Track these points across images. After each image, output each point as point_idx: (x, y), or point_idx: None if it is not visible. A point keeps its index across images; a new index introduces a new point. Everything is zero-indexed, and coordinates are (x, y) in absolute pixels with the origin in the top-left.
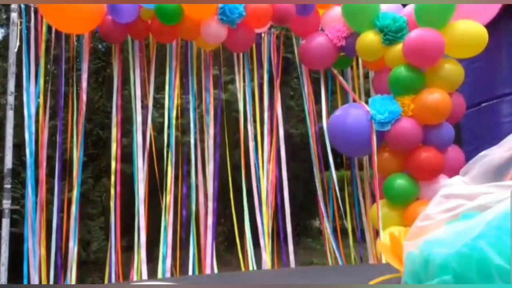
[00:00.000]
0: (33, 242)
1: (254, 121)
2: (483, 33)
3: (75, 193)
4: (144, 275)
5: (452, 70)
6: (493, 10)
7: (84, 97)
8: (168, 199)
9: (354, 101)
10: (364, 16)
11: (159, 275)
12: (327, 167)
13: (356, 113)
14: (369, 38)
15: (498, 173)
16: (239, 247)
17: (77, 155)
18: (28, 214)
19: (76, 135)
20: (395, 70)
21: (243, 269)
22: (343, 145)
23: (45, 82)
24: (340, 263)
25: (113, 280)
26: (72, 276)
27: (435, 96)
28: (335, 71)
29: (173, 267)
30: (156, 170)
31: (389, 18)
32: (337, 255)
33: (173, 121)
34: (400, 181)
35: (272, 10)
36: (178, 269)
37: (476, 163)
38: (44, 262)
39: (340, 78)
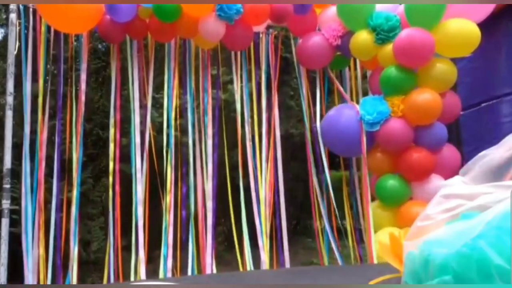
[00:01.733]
0: (32, 242)
1: (252, 121)
2: (476, 31)
3: (74, 193)
4: (143, 276)
5: (445, 69)
6: (487, 9)
7: (83, 97)
8: (168, 199)
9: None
10: (358, 15)
11: (161, 275)
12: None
13: (348, 113)
14: (362, 37)
15: (498, 173)
16: (237, 247)
17: (76, 156)
18: (28, 214)
19: (76, 135)
20: (386, 70)
21: (241, 269)
22: (336, 145)
23: (45, 82)
24: (340, 262)
25: (113, 280)
26: (73, 276)
27: (425, 96)
28: (332, 75)
29: (174, 267)
30: (157, 170)
31: (382, 17)
32: (337, 255)
33: (172, 122)
34: (392, 182)
35: (270, 7)
36: (179, 270)
37: (476, 163)
38: (43, 262)
39: (336, 80)
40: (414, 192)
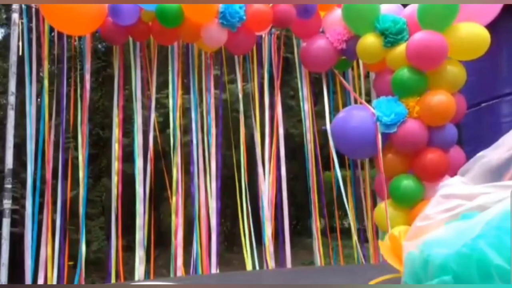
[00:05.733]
0: (34, 242)
1: (255, 121)
2: (486, 36)
3: (81, 192)
4: (142, 274)
5: (454, 71)
6: (495, 10)
7: (87, 97)
8: (174, 200)
9: (356, 102)
10: (364, 19)
11: (171, 275)
12: (326, 167)
13: (359, 115)
14: (370, 40)
15: (497, 173)
16: (246, 247)
17: (82, 156)
18: (29, 214)
19: (81, 135)
20: (398, 72)
21: (245, 268)
22: (347, 148)
23: (49, 82)
24: (341, 263)
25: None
26: (82, 274)
27: (439, 98)
28: (342, 79)
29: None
30: (164, 169)
31: (389, 20)
32: (315, 252)
33: (177, 122)
34: (407, 182)
35: (272, 13)
36: (183, 269)
37: (475, 163)
38: (50, 262)
39: (347, 84)
40: (427, 193)
